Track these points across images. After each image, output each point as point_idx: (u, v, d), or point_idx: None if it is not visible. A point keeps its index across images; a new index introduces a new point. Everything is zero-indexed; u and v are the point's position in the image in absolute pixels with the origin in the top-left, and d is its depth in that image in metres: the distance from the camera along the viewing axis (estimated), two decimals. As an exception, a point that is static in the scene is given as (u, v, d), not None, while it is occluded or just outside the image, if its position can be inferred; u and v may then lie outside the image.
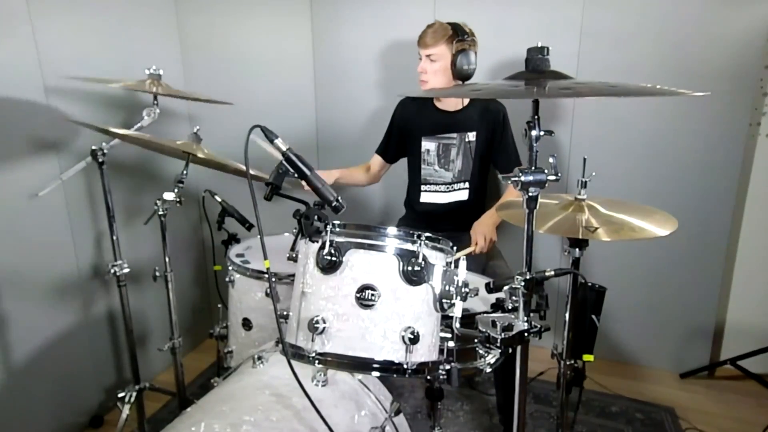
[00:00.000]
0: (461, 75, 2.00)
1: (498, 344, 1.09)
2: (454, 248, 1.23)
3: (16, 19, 1.76)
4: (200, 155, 1.72)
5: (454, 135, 2.16)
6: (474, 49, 2.01)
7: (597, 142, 2.36)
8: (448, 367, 1.21)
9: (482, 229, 1.99)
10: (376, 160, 2.34)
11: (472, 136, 2.15)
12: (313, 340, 1.12)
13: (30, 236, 1.86)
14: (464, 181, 2.19)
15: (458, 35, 1.98)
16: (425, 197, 2.24)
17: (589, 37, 2.26)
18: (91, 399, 2.16)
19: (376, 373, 1.17)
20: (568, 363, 1.41)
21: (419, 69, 2.05)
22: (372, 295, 1.11)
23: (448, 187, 2.20)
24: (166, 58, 2.46)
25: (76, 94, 1.98)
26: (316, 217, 1.15)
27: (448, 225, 2.15)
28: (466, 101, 2.14)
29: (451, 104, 2.14)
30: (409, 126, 2.22)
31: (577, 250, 1.34)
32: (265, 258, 1.08)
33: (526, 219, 1.13)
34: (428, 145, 2.19)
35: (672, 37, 2.17)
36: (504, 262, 2.04)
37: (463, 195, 2.20)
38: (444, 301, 1.16)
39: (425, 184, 2.23)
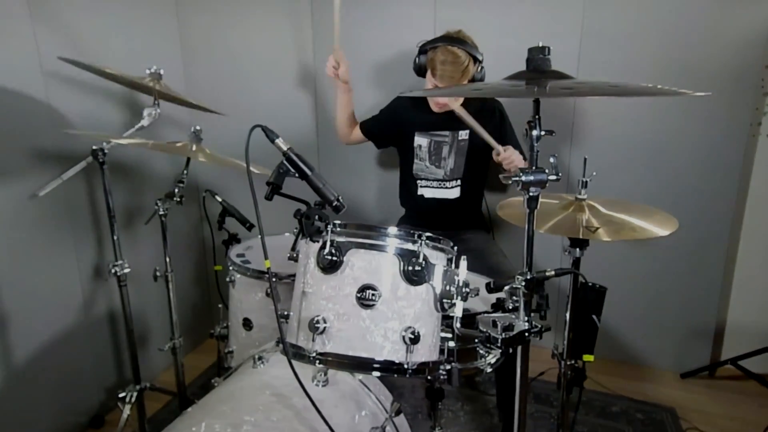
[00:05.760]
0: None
1: (499, 344, 1.09)
2: (455, 248, 1.23)
3: (16, 19, 1.76)
4: (200, 155, 1.72)
5: (447, 133, 2.15)
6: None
7: (597, 142, 2.36)
8: (448, 367, 1.21)
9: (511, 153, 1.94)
10: (358, 132, 2.30)
11: (464, 134, 2.14)
12: (313, 340, 1.12)
13: (30, 236, 1.86)
14: (456, 179, 2.18)
15: (476, 59, 1.96)
16: (422, 191, 2.23)
17: (590, 37, 2.26)
18: (92, 399, 2.16)
19: (376, 373, 1.16)
20: (568, 363, 1.41)
21: (440, 100, 2.03)
22: (373, 294, 1.11)
23: (439, 184, 2.20)
24: (166, 58, 2.46)
25: (77, 93, 1.98)
26: (316, 216, 1.15)
27: (440, 222, 2.15)
28: (462, 99, 2.14)
29: (443, 108, 2.13)
30: (404, 120, 2.21)
31: (577, 250, 1.35)
32: (266, 258, 1.08)
33: (526, 219, 1.13)
34: (420, 141, 2.18)
35: (672, 37, 2.17)
36: (506, 259, 2.05)
37: (454, 193, 2.19)
38: (445, 301, 1.16)
39: (418, 178, 2.23)
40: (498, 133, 2.13)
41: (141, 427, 1.94)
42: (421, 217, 2.27)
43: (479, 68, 1.99)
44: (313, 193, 1.21)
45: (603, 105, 2.33)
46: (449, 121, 2.14)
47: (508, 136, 2.15)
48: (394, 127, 2.24)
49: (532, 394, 2.30)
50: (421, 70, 2.04)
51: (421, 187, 2.23)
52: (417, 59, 2.02)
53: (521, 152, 2.15)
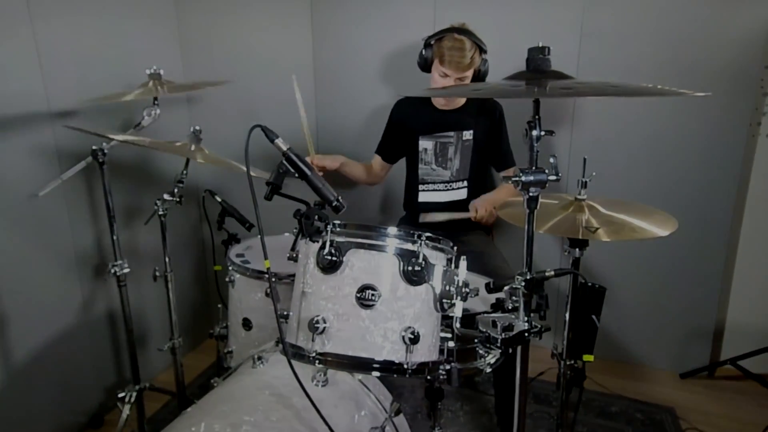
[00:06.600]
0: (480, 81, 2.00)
1: (498, 344, 1.09)
2: (455, 248, 1.23)
3: (16, 20, 1.76)
4: (200, 155, 1.72)
5: (451, 133, 2.16)
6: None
7: (597, 142, 2.36)
8: (448, 367, 1.21)
9: (483, 202, 1.97)
10: (377, 161, 2.33)
11: (468, 134, 2.14)
12: (313, 340, 1.12)
13: (30, 236, 1.85)
14: (462, 180, 2.19)
15: (482, 50, 1.96)
16: (423, 197, 2.23)
17: (590, 37, 2.26)
18: (91, 399, 2.16)
19: (376, 373, 1.16)
20: (568, 363, 1.41)
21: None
22: (372, 295, 1.11)
23: (446, 186, 2.20)
24: (166, 58, 2.45)
25: (76, 93, 1.98)
26: (316, 216, 1.15)
27: (447, 224, 2.14)
28: (464, 100, 2.14)
29: (448, 103, 2.13)
30: (407, 125, 2.21)
31: (577, 250, 1.35)
32: (266, 258, 1.08)
33: (526, 219, 1.13)
34: (425, 144, 2.19)
35: (672, 37, 2.17)
36: (506, 265, 2.04)
37: (461, 194, 2.19)
38: (444, 301, 1.16)
39: (423, 183, 2.22)
40: (494, 133, 2.14)
41: (140, 427, 1.94)
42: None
43: (483, 60, 1.99)
44: (312, 193, 1.21)
45: (603, 105, 2.33)
46: (452, 121, 2.14)
47: (502, 138, 2.16)
48: (401, 134, 2.24)
49: (532, 394, 2.30)
50: (426, 64, 2.03)
51: (426, 192, 2.22)
52: (422, 52, 2.02)
53: (511, 159, 2.16)
